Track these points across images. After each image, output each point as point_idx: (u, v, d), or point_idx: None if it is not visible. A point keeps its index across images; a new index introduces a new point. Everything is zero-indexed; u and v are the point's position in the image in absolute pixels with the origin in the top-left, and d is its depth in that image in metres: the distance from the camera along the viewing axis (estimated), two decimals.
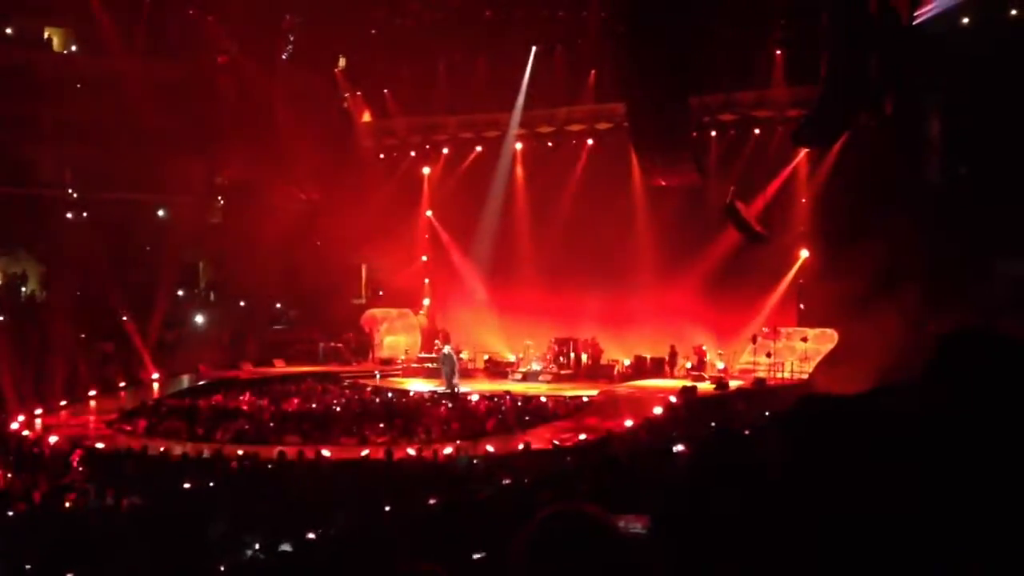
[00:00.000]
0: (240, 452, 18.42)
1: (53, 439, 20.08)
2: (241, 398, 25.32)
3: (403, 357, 32.58)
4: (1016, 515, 2.19)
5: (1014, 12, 26.82)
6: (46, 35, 34.63)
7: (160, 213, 35.03)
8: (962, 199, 24.88)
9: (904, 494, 2.21)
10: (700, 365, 28.62)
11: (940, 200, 25.66)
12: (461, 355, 29.68)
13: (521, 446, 18.93)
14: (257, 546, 10.28)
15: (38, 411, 24.01)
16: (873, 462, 2.27)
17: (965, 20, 26.69)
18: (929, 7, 25.66)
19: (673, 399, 23.41)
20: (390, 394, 26.96)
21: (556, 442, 19.11)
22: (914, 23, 25.66)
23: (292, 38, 34.49)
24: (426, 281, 35.15)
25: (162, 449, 19.19)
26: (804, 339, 27.36)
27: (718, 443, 2.93)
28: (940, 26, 26.12)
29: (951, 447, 2.29)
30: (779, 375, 26.89)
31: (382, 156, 35.10)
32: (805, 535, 2.20)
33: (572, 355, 30.54)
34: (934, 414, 2.37)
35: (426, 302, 34.45)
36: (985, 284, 23.13)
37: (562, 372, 29.87)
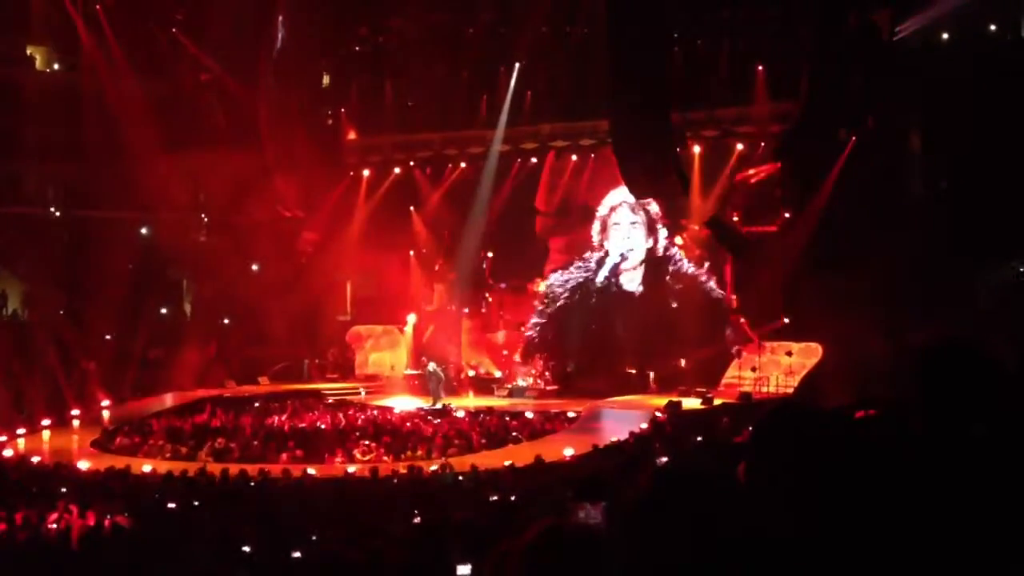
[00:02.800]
0: (225, 471, 18.30)
1: (36, 459, 19.93)
2: (225, 417, 25.18)
3: (388, 374, 32.51)
4: (995, 520, 2.21)
5: (993, 28, 27.07)
6: (29, 53, 34.54)
7: (143, 231, 34.91)
8: (943, 212, 25.04)
9: (880, 503, 2.22)
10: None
11: (921, 213, 25.81)
12: (446, 370, 29.62)
13: (507, 462, 18.88)
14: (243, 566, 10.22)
15: (21, 431, 23.82)
16: (847, 472, 2.28)
17: (945, 36, 26.92)
18: (909, 23, 25.89)
19: (659, 414, 23.41)
20: (375, 411, 26.88)
21: (542, 457, 19.05)
22: (894, 39, 25.89)
23: (276, 56, 34.46)
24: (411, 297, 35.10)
25: (146, 468, 19.05)
26: (789, 353, 27.40)
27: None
28: (920, 42, 26.34)
29: (931, 457, 2.31)
30: (764, 389, 26.90)
31: (366, 173, 35.08)
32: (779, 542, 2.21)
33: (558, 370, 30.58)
34: (916, 425, 2.39)
35: (411, 318, 34.41)
36: (966, 296, 23.28)
37: (548, 388, 29.86)
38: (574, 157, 32.55)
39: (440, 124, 33.51)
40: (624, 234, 31.88)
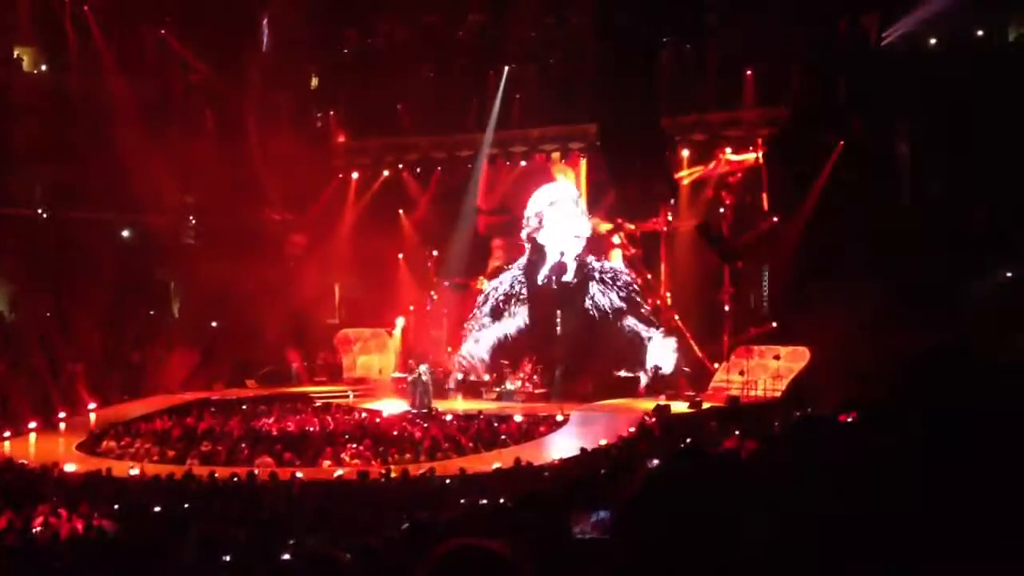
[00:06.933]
0: (212, 474, 18.24)
1: (22, 461, 19.83)
2: (213, 420, 25.09)
3: (376, 377, 32.45)
4: (991, 521, 2.21)
5: (980, 32, 27.18)
6: (16, 54, 34.35)
7: (131, 233, 34.75)
8: (931, 218, 25.11)
9: (884, 505, 2.22)
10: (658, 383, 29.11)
11: (908, 220, 25.88)
12: (433, 374, 29.57)
13: (495, 465, 18.88)
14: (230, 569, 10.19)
15: (7, 433, 23.70)
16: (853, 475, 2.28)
17: (932, 41, 27.01)
18: (897, 28, 25.99)
19: (647, 417, 23.44)
20: (363, 414, 26.82)
21: (530, 461, 19.05)
22: (882, 44, 25.98)
23: (264, 57, 34.38)
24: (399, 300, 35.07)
25: (133, 471, 18.97)
26: (777, 357, 27.43)
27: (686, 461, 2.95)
28: (908, 46, 26.43)
29: (926, 459, 2.31)
30: (752, 393, 26.95)
31: (355, 175, 35.06)
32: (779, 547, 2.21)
33: (546, 374, 30.59)
34: (910, 429, 2.39)
35: (400, 321, 34.39)
36: (954, 300, 23.35)
37: (536, 391, 29.86)
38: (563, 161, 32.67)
39: (429, 127, 33.50)
40: (558, 230, 32.26)
